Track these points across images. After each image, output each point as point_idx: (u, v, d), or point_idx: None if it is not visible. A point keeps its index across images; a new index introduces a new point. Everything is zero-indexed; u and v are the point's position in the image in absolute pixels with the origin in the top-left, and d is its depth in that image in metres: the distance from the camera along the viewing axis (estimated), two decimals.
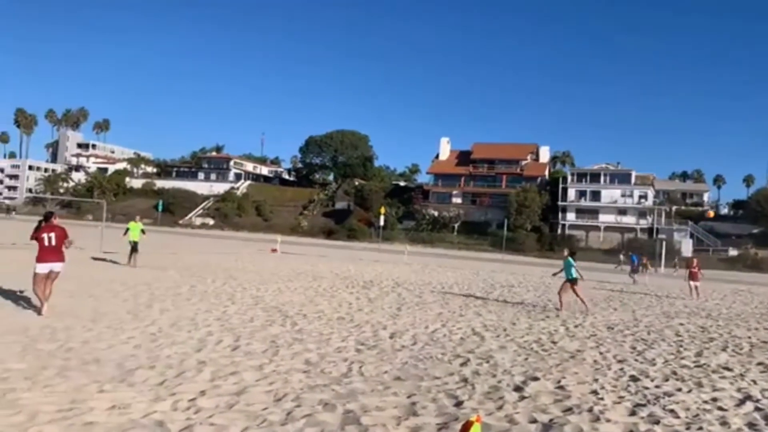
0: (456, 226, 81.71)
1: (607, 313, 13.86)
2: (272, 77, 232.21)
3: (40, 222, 9.21)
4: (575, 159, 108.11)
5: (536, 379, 6.63)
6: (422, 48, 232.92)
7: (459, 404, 5.45)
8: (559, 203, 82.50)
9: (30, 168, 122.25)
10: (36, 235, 8.94)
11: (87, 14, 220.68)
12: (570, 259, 14.09)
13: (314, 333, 8.64)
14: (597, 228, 79.75)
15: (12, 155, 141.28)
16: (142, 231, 19.26)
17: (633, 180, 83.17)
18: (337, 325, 9.58)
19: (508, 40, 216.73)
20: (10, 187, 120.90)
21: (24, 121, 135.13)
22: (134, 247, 18.54)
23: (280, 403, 5.14)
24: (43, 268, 8.82)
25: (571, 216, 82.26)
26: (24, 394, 4.86)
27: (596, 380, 6.75)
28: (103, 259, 19.75)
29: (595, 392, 6.20)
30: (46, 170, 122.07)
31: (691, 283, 20.01)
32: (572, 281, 13.87)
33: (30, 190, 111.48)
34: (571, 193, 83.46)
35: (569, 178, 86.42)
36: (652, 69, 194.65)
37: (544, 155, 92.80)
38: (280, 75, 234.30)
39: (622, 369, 7.47)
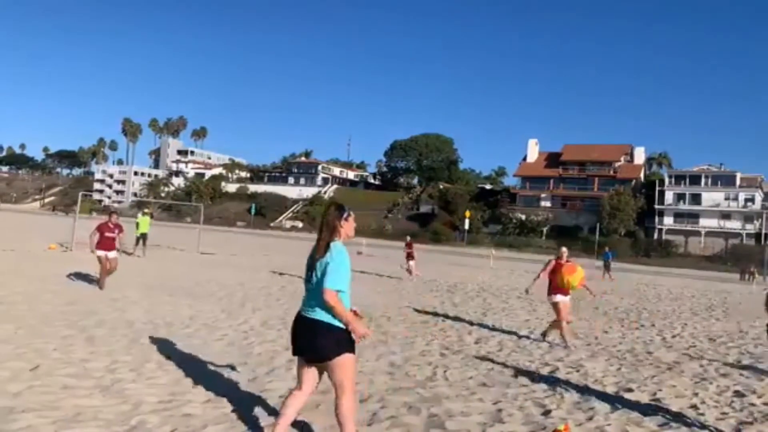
0: (545, 230, 79.57)
1: (709, 324, 13.03)
2: (358, 83, 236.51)
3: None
4: (673, 160, 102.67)
5: (630, 390, 6.33)
6: (509, 49, 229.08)
7: (547, 413, 5.29)
8: (656, 207, 78.52)
9: (135, 174, 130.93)
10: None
11: (180, 32, 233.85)
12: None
13: (398, 336, 8.69)
14: (697, 233, 75.17)
15: (120, 162, 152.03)
16: (149, 223, 21.21)
17: (738, 182, 77.72)
18: (421, 328, 9.58)
19: (598, 39, 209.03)
20: (118, 191, 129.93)
21: (130, 129, 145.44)
22: (143, 239, 20.32)
23: (365, 404, 5.20)
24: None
25: (668, 220, 78.09)
26: (129, 385, 5.20)
27: (696, 394, 6.36)
28: (202, 258, 20.78)
29: (694, 407, 5.84)
30: (149, 175, 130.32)
31: (410, 263, 19.53)
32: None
33: (135, 194, 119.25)
34: (669, 196, 79.21)
35: (666, 180, 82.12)
36: (756, 65, 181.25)
37: (639, 156, 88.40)
38: (365, 80, 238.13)
39: (725, 383, 7.00)
